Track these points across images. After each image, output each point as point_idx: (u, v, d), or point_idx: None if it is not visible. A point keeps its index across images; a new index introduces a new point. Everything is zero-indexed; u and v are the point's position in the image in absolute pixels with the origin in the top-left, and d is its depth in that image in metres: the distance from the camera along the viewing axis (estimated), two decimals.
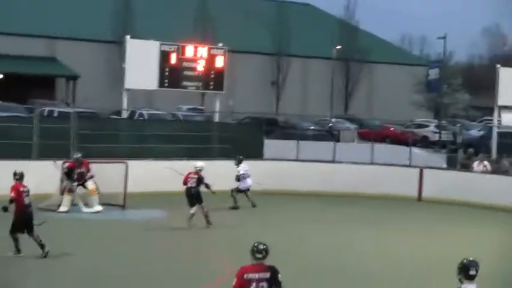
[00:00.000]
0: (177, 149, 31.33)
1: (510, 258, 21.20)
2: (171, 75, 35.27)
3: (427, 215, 29.80)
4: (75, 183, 26.60)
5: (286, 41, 76.32)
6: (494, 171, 33.39)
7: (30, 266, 18.51)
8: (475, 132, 55.45)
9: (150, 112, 46.86)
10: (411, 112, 72.45)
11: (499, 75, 39.04)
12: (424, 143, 54.22)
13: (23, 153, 28.93)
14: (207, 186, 25.38)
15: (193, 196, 25.21)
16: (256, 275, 11.29)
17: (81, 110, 40.86)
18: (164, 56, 34.94)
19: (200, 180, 25.37)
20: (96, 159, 27.69)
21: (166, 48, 35.33)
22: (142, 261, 19.59)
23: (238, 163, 29.12)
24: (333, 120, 63.01)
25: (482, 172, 32.91)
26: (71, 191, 26.56)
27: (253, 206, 28.80)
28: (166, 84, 35.60)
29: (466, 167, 34.50)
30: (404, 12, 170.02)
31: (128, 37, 36.83)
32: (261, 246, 11.43)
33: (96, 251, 20.60)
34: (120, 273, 18.21)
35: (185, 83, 36.07)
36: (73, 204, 26.65)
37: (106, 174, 27.10)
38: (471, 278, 10.63)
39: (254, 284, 11.22)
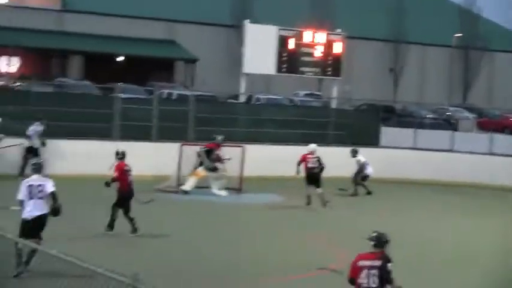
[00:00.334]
0: (293, 134, 31.41)
1: None
2: (289, 61, 35.43)
3: None
4: (214, 164, 26.93)
5: (405, 28, 75.42)
6: None
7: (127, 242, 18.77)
8: None
9: (267, 97, 46.99)
10: None
11: None
12: None
13: (143, 134, 29.43)
14: (323, 167, 25.92)
15: (316, 176, 25.72)
16: (368, 263, 11.32)
17: (199, 93, 41.23)
18: (282, 41, 35.11)
19: (320, 161, 25.97)
20: (213, 142, 27.94)
21: (284, 33, 35.48)
22: (251, 244, 19.72)
23: (354, 155, 28.90)
24: (451, 109, 62.12)
25: None
26: (212, 169, 26.90)
27: (369, 193, 28.68)
28: (284, 70, 35.78)
29: None
30: None
31: (247, 21, 37.09)
32: (375, 235, 11.52)
33: (204, 232, 20.82)
34: (221, 256, 18.32)
35: (303, 69, 36.18)
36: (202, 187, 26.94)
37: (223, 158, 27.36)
38: None
39: (366, 271, 11.24)
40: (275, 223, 23.11)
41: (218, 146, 27.22)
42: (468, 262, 19.06)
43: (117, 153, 19.76)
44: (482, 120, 54.23)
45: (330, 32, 38.21)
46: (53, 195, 15.00)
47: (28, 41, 58.90)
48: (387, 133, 35.67)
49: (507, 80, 78.98)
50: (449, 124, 48.69)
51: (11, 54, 51.96)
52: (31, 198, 14.84)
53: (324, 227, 22.99)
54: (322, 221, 24.07)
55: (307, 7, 69.59)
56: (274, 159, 28.39)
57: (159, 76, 59.28)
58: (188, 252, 18.36)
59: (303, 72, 36.73)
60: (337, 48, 36.65)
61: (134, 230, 19.07)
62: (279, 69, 35.75)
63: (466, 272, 18.07)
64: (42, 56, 62.49)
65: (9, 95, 34.19)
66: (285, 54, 35.38)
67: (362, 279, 11.24)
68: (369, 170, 28.76)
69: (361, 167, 28.68)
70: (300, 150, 27.07)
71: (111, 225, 19.09)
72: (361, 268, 11.28)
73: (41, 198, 14.89)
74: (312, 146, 26.63)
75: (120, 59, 64.35)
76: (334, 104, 38.25)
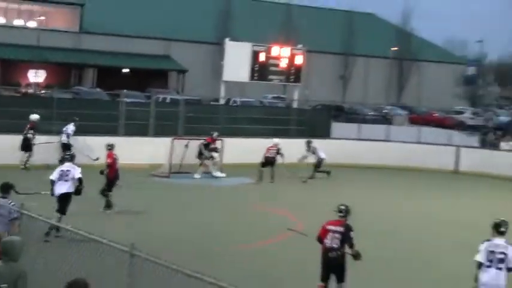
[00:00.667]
0: (263, 129, 31.38)
1: None
2: (260, 70, 35.38)
3: (462, 184, 29.61)
4: (211, 154, 27.08)
5: (353, 43, 75.65)
6: None
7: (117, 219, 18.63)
8: (504, 118, 54.41)
9: (242, 100, 46.89)
10: (452, 101, 71.38)
11: None
12: (461, 126, 53.24)
13: (142, 131, 29.34)
14: (282, 156, 26.84)
15: (270, 163, 26.86)
16: (333, 227, 11.60)
17: (188, 97, 41.14)
18: (255, 55, 35.06)
19: (278, 152, 27.01)
20: (199, 136, 27.90)
21: (256, 48, 35.44)
22: (227, 216, 19.71)
23: (308, 145, 28.64)
24: (388, 107, 62.27)
25: (509, 150, 32.33)
26: (210, 158, 27.04)
27: (328, 173, 28.47)
28: (255, 77, 35.74)
29: (496, 146, 33.99)
30: (449, 16, 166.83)
31: (227, 39, 36.97)
32: (342, 207, 11.78)
33: (188, 208, 20.81)
34: (204, 228, 18.29)
35: (271, 77, 36.13)
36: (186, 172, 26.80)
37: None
38: (502, 234, 10.65)
39: (330, 234, 11.53)
40: (247, 199, 23.14)
41: (213, 140, 27.35)
42: (404, 228, 19.20)
43: (108, 145, 19.55)
44: (412, 116, 54.41)
45: (293, 47, 38.16)
46: (79, 180, 15.71)
47: (52, 56, 58.69)
48: (337, 127, 35.71)
49: (432, 84, 79.29)
50: (386, 119, 48.83)
51: (38, 67, 51.52)
52: (59, 180, 15.55)
53: (286, 201, 23.06)
54: (285, 197, 24.14)
55: (275, 27, 69.55)
56: (248, 150, 28.31)
57: (156, 84, 59.11)
58: (177, 225, 18.32)
59: (271, 80, 36.67)
60: (299, 60, 36.62)
61: (108, 206, 18.83)
62: (252, 77, 35.70)
63: (401, 237, 18.21)
64: (63, 69, 62.25)
65: (36, 101, 34.01)
66: (256, 65, 35.31)
67: (327, 239, 11.54)
68: (322, 154, 28.51)
69: (314, 151, 28.38)
70: (268, 143, 27.31)
71: (109, 205, 18.90)
72: (328, 231, 11.57)
73: (67, 180, 15.57)
74: (275, 140, 27.56)
75: (125, 70, 64.15)
76: (295, 105, 38.21)
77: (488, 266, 10.45)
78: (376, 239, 17.09)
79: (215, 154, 27.41)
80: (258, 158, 27.05)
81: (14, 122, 26.86)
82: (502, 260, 10.40)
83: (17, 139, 25.93)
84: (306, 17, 76.15)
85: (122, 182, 19.35)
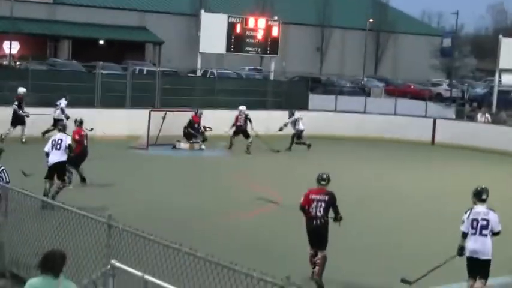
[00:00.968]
0: (240, 101, 31.30)
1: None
2: (236, 42, 35.09)
3: (439, 156, 29.77)
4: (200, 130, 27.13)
5: (329, 15, 75.67)
6: (494, 122, 33.03)
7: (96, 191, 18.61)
8: (480, 90, 54.72)
9: (219, 71, 46.66)
10: (428, 73, 71.65)
11: (500, 44, 38.54)
12: (438, 98, 53.49)
13: (119, 103, 29.16)
14: (251, 122, 27.11)
15: (242, 131, 27.10)
16: (317, 196, 11.82)
17: (164, 69, 40.93)
18: (231, 27, 34.74)
19: (247, 118, 27.19)
20: (176, 108, 27.79)
21: (233, 20, 35.11)
22: (207, 188, 19.73)
23: (291, 115, 28.58)
24: (365, 79, 62.46)
25: (484, 122, 32.55)
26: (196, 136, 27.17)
27: (309, 146, 28.45)
28: (232, 49, 35.44)
29: (471, 118, 34.25)
30: None
31: (202, 11, 36.73)
32: (324, 175, 12.03)
33: (165, 179, 20.81)
34: (183, 199, 18.30)
35: (247, 48, 35.84)
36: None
37: (184, 120, 27.22)
38: (483, 201, 10.93)
39: (315, 203, 11.75)
40: (223, 172, 23.16)
41: (198, 118, 27.23)
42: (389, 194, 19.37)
43: (76, 121, 19.23)
44: (389, 88, 54.58)
45: (269, 19, 37.97)
46: (69, 147, 16.21)
47: (26, 28, 58.09)
48: (314, 99, 35.73)
49: (408, 56, 79.54)
50: (363, 91, 48.94)
51: (11, 39, 50.95)
52: (51, 149, 16.07)
53: (263, 173, 23.11)
54: (261, 169, 24.18)
55: None
56: (225, 122, 28.21)
57: (133, 56, 58.81)
58: (155, 196, 18.30)
59: (247, 51, 36.41)
60: (275, 31, 36.40)
61: (83, 179, 18.71)
62: (228, 49, 35.43)
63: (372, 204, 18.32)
64: (38, 41, 61.70)
65: (11, 72, 33.68)
66: (233, 37, 35.03)
67: (312, 208, 11.77)
68: (301, 126, 28.44)
69: (294, 122, 28.32)
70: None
71: (83, 179, 18.73)
72: (312, 200, 11.78)
73: (58, 149, 16.04)
74: (241, 107, 27.69)
75: (101, 42, 63.69)
76: (272, 77, 38.08)
77: (473, 234, 10.78)
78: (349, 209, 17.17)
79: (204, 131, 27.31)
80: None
81: None
82: (485, 227, 10.75)
83: None
84: None
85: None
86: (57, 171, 16.09)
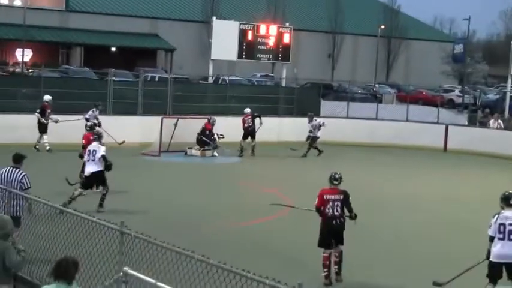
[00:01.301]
0: (251, 108, 31.31)
1: None
2: (248, 49, 35.17)
3: (451, 162, 29.61)
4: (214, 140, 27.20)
5: (340, 22, 75.67)
6: (506, 128, 32.90)
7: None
8: (492, 96, 54.43)
9: (230, 78, 46.73)
10: (440, 79, 71.44)
11: None
12: (450, 104, 53.43)
13: (131, 110, 29.23)
14: (260, 119, 27.44)
15: (250, 132, 27.29)
16: (332, 196, 12.04)
17: (176, 76, 40.99)
18: (242, 33, 34.83)
19: (253, 117, 27.49)
20: (188, 115, 27.85)
21: (244, 27, 35.22)
22: (219, 194, 19.74)
23: (311, 120, 28.61)
24: (377, 85, 62.35)
25: (497, 128, 32.43)
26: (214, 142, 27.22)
27: (320, 152, 28.43)
28: (244, 56, 35.53)
29: (484, 124, 34.10)
30: None
31: (214, 18, 36.84)
32: (337, 175, 12.23)
33: (178, 186, 20.81)
34: (196, 205, 18.30)
35: (259, 55, 35.90)
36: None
37: (195, 127, 27.24)
38: (511, 206, 10.86)
39: (331, 203, 11.98)
40: (235, 178, 23.15)
41: (211, 126, 27.25)
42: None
43: (86, 126, 19.62)
44: (400, 94, 54.46)
45: (280, 26, 38.03)
46: (103, 157, 16.43)
47: (38, 35, 58.35)
48: (326, 105, 35.74)
49: (420, 62, 79.36)
50: (375, 98, 48.86)
51: (24, 46, 51.20)
52: (87, 160, 16.58)
53: (277, 178, 23.08)
54: (275, 173, 24.13)
55: (263, 6, 69.41)
56: (237, 128, 28.23)
57: (144, 63, 58.97)
58: (167, 202, 18.32)
59: (259, 58, 36.48)
60: (286, 38, 36.45)
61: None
62: (240, 56, 35.51)
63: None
64: (50, 48, 61.98)
65: (24, 80, 33.84)
66: (244, 44, 35.11)
67: (328, 208, 11.98)
68: (319, 133, 28.43)
69: (314, 128, 28.30)
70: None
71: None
72: (328, 200, 11.99)
73: (93, 160, 16.46)
74: (246, 109, 28.13)
75: (113, 49, 63.85)
76: (283, 83, 38.10)
77: (501, 238, 10.72)
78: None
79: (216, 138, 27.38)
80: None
81: (2, 101, 26.79)
82: None
83: (5, 118, 26.05)
84: None
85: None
86: (96, 180, 16.65)
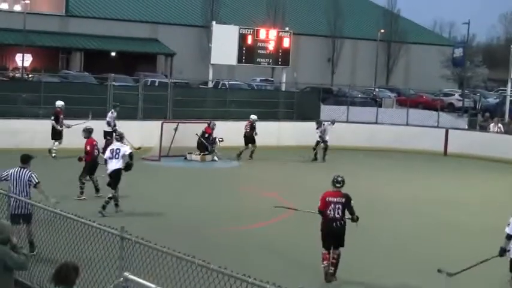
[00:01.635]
0: (251, 112, 31.30)
1: None
2: (248, 53, 35.17)
3: (451, 166, 29.64)
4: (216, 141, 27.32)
5: (340, 26, 75.75)
6: (506, 132, 32.92)
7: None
8: (492, 100, 54.50)
9: (230, 82, 46.79)
10: (440, 83, 71.40)
11: None
12: (450, 108, 53.42)
13: (131, 115, 29.20)
14: (255, 132, 27.73)
15: (250, 139, 27.69)
16: (334, 199, 12.19)
17: (176, 80, 41.01)
18: (242, 38, 34.84)
19: (253, 127, 27.83)
20: (188, 120, 27.85)
21: (244, 31, 35.22)
22: (220, 198, 19.73)
23: (319, 126, 28.72)
24: (376, 89, 62.35)
25: (497, 132, 32.45)
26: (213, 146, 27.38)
27: (315, 159, 28.51)
28: (243, 60, 35.53)
29: (484, 128, 34.09)
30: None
31: (214, 23, 36.86)
32: (340, 178, 12.37)
33: (179, 190, 20.84)
34: (197, 208, 18.30)
35: (259, 59, 35.91)
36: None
37: (196, 132, 27.25)
38: None
39: (332, 205, 12.13)
40: (236, 182, 23.16)
41: (211, 130, 27.31)
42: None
43: (87, 130, 19.40)
44: (400, 98, 54.43)
45: (280, 30, 38.05)
46: (130, 155, 17.16)
47: (38, 40, 58.41)
48: (326, 110, 35.71)
49: (420, 66, 79.42)
50: (374, 102, 48.85)
51: (24, 51, 51.24)
52: (111, 158, 17.07)
53: (278, 181, 23.08)
54: (276, 177, 24.13)
55: (262, 10, 69.51)
56: (237, 133, 28.27)
57: (144, 67, 58.97)
58: (168, 206, 18.32)
59: (259, 63, 36.48)
60: (286, 42, 36.47)
61: (97, 190, 18.76)
62: (240, 60, 35.52)
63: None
64: (50, 53, 62.02)
65: (24, 85, 33.86)
66: (244, 48, 35.13)
67: (330, 210, 12.16)
68: (327, 137, 28.51)
69: (323, 132, 28.39)
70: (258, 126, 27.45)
71: (97, 190, 18.78)
72: (330, 203, 12.15)
73: (117, 158, 17.00)
74: (252, 116, 28.46)
75: (113, 54, 63.90)
76: (283, 88, 38.10)
77: None
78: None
79: (217, 141, 27.47)
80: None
81: (3, 106, 26.79)
82: None
83: (5, 123, 26.02)
84: None
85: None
86: (112, 178, 16.99)
